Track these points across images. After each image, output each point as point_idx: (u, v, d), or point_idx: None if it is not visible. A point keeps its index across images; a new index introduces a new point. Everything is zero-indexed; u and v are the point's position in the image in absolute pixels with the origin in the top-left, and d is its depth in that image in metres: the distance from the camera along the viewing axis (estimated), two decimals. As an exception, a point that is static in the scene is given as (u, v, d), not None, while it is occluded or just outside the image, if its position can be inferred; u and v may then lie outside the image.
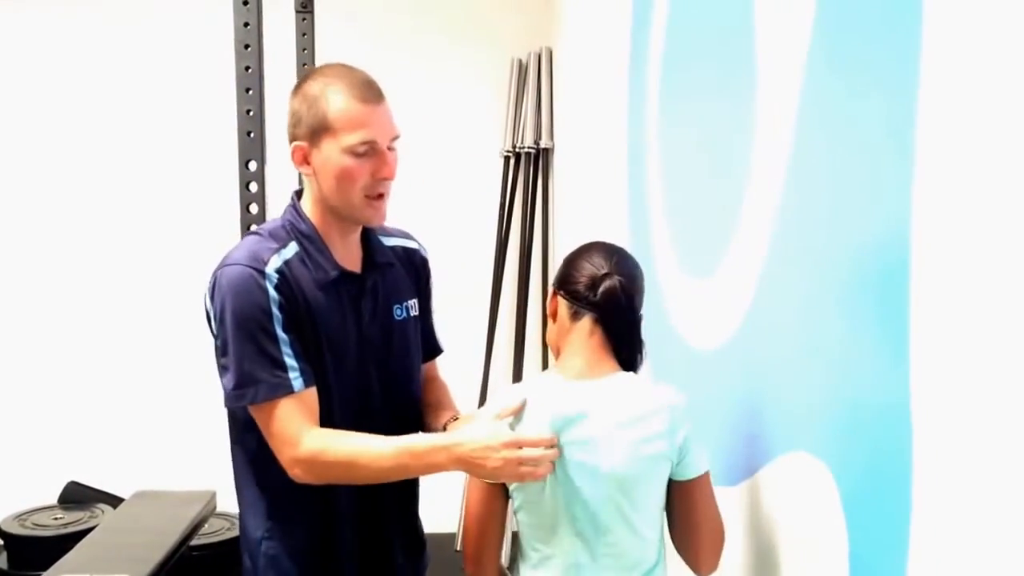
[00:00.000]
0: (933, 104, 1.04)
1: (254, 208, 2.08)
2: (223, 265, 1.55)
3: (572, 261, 1.52)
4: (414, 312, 1.70)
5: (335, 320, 1.57)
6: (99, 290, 3.82)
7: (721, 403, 1.78)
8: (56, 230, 3.83)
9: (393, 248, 1.71)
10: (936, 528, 1.04)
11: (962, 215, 0.98)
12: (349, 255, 1.62)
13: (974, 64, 0.96)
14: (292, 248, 1.56)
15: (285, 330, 1.50)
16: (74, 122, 3.81)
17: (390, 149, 1.55)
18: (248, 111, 2.05)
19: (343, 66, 1.59)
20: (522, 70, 4.02)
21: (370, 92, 1.54)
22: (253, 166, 2.06)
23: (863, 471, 1.22)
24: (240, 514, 1.68)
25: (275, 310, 1.49)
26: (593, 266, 1.48)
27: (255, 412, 1.51)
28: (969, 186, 0.97)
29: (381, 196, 1.56)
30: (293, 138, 1.57)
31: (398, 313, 1.66)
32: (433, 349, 1.82)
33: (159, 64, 3.81)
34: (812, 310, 1.38)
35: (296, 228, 1.58)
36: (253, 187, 2.07)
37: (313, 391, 1.52)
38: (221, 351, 1.53)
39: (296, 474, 1.49)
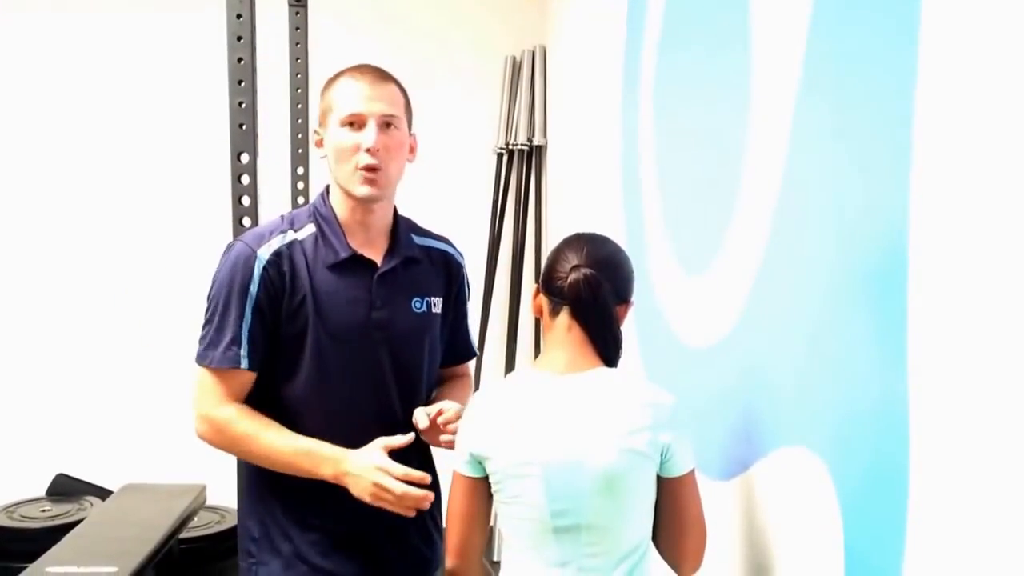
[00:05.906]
0: (930, 103, 1.04)
1: (246, 200, 2.06)
2: (234, 240, 1.70)
3: (551, 257, 1.53)
4: (436, 310, 1.75)
5: (340, 300, 1.63)
6: (89, 283, 3.80)
7: (716, 399, 1.77)
8: (46, 223, 3.80)
9: (426, 248, 1.77)
10: (933, 524, 1.04)
11: (960, 214, 0.98)
12: (370, 243, 1.69)
13: (972, 64, 0.96)
14: (309, 229, 1.66)
15: (255, 311, 1.59)
16: (66, 114, 3.78)
17: (388, 126, 1.61)
18: (240, 103, 2.04)
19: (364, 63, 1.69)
20: (516, 68, 4.02)
21: (366, 71, 1.64)
22: (245, 158, 2.05)
23: (860, 466, 1.22)
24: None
25: (254, 289, 1.59)
26: (566, 260, 1.48)
27: (199, 368, 1.63)
28: (967, 186, 0.97)
29: (368, 168, 1.60)
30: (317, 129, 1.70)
31: (417, 306, 1.72)
32: (463, 352, 1.89)
33: (151, 56, 3.79)
34: (809, 306, 1.38)
35: (318, 211, 1.68)
36: (245, 179, 2.06)
37: (253, 376, 1.62)
38: (205, 312, 1.64)
39: (201, 430, 1.62)
